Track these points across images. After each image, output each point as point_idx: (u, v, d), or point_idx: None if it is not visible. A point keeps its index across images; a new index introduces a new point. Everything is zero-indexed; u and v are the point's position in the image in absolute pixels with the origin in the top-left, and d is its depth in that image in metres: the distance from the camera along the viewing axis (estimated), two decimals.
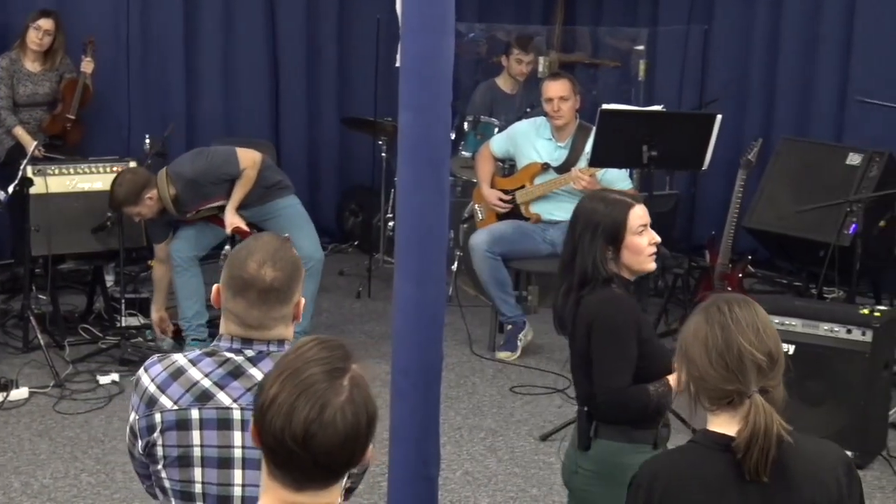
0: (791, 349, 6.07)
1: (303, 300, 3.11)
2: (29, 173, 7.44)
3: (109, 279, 8.39)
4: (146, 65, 9.91)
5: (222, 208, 7.55)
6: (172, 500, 3.01)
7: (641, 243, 4.09)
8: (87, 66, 8.78)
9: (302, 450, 2.22)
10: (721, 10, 10.55)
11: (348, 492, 3.19)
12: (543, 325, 8.44)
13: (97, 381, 7.13)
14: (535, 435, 6.54)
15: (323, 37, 10.94)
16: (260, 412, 2.27)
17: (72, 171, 7.98)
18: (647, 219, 4.13)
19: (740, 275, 8.00)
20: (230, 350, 3.03)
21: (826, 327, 6.25)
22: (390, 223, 9.33)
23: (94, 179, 8.00)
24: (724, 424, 2.81)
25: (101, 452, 6.21)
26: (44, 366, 7.18)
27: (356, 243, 10.73)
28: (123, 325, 7.79)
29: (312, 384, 2.24)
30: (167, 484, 3.00)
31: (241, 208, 7.55)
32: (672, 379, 3.90)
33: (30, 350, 7.52)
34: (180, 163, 7.64)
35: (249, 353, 3.02)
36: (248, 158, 7.55)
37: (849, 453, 5.90)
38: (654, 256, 4.16)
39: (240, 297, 3.00)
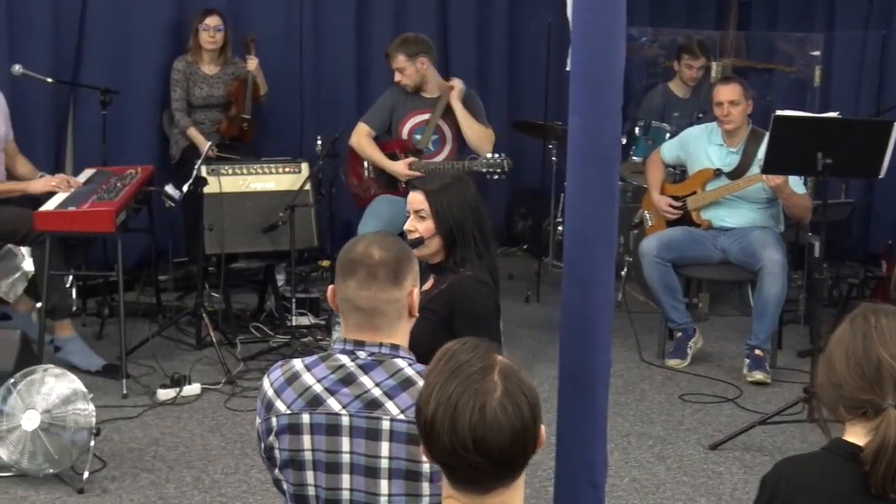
0: None
1: (416, 290, 3.13)
2: (203, 173, 7.55)
3: (281, 279, 8.49)
4: (318, 65, 10.01)
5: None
6: (289, 502, 3.08)
7: None
8: (251, 63, 8.87)
9: (476, 455, 2.23)
10: None
11: None
12: (714, 333, 8.35)
13: None
14: (704, 444, 6.44)
15: (494, 40, 10.98)
16: (424, 433, 2.30)
17: (245, 171, 8.10)
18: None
19: None
20: (343, 352, 3.08)
21: None
22: (560, 227, 9.30)
23: (267, 180, 8.11)
24: (858, 435, 2.77)
25: None
26: (216, 363, 7.30)
27: (525, 247, 10.75)
28: (294, 324, 7.89)
29: (465, 389, 2.25)
30: (284, 486, 3.08)
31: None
32: None
33: (202, 347, 7.66)
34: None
35: (362, 354, 3.05)
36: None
37: None
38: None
39: (350, 279, 3.05)
